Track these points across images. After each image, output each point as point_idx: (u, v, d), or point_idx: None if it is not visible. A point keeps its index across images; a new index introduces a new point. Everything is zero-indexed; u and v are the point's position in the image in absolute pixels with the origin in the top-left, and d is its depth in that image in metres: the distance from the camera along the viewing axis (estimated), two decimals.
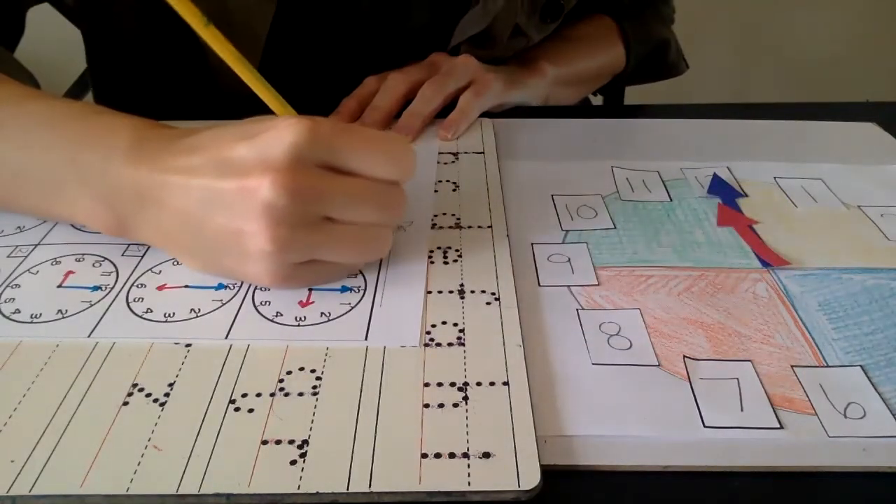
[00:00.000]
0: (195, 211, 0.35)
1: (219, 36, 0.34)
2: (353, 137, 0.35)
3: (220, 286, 0.39)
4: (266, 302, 0.38)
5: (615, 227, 0.46)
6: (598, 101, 0.81)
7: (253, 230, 0.34)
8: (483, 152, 0.54)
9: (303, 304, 0.38)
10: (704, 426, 0.32)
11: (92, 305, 0.38)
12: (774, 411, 0.32)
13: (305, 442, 0.30)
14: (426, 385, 0.33)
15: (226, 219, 0.34)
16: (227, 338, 0.35)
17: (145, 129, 0.37)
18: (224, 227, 0.34)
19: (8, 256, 0.41)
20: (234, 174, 0.33)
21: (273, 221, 0.33)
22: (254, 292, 0.38)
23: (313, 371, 0.34)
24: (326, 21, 0.61)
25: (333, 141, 0.34)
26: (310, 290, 0.39)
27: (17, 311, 0.37)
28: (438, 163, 0.52)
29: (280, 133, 0.33)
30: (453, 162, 0.52)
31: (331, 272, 0.39)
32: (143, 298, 0.38)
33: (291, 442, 0.30)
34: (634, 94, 0.81)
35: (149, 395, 0.32)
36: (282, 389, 0.33)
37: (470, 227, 0.45)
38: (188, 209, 0.35)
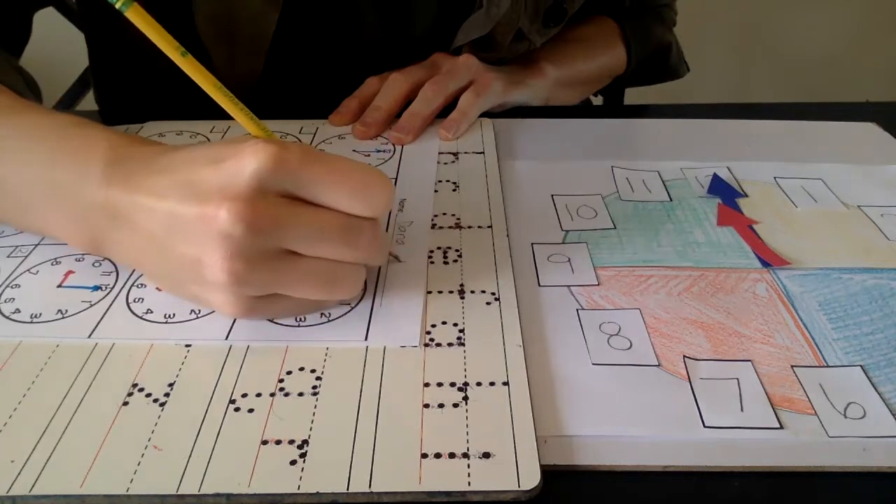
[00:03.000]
0: (160, 235, 0.34)
1: (196, 64, 0.34)
2: (322, 167, 0.33)
3: None
4: None
5: (615, 227, 0.46)
6: (598, 101, 0.81)
7: (210, 261, 0.32)
8: (483, 152, 0.54)
9: None
10: (704, 426, 0.32)
11: (92, 305, 0.38)
12: (774, 411, 0.33)
13: (305, 442, 0.30)
14: (426, 385, 0.33)
15: (186, 246, 0.33)
16: (227, 338, 0.35)
17: (122, 147, 0.36)
18: (185, 254, 0.33)
19: (8, 256, 0.41)
20: (196, 200, 0.32)
21: (229, 253, 0.32)
22: None
23: (313, 371, 0.34)
24: (330, 27, 0.61)
25: (300, 170, 0.32)
26: None
27: (17, 311, 0.37)
28: (438, 163, 0.52)
29: (244, 160, 0.32)
30: (453, 162, 0.52)
31: (298, 307, 0.36)
32: (143, 299, 0.38)
33: (291, 442, 0.30)
34: (634, 95, 0.81)
35: (149, 395, 0.32)
36: (282, 389, 0.33)
37: (470, 227, 0.45)
38: (155, 233, 0.34)
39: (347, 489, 0.28)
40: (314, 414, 0.32)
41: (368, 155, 0.53)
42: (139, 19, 0.33)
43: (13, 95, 0.42)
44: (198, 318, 0.37)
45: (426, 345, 0.35)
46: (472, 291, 0.39)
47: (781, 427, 0.32)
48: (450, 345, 0.35)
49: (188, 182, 0.33)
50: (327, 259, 0.34)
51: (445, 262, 0.41)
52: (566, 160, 0.53)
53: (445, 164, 0.52)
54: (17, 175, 0.37)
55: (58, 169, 0.36)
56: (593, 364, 0.35)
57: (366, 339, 0.36)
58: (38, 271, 0.40)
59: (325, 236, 0.33)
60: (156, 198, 0.33)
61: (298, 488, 0.28)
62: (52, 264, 0.41)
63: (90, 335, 0.36)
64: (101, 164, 0.35)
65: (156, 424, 0.31)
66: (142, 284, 0.39)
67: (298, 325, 0.36)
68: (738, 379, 0.34)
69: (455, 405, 0.32)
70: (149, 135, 0.55)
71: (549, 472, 0.29)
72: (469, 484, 0.28)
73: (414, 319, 0.37)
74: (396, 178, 0.50)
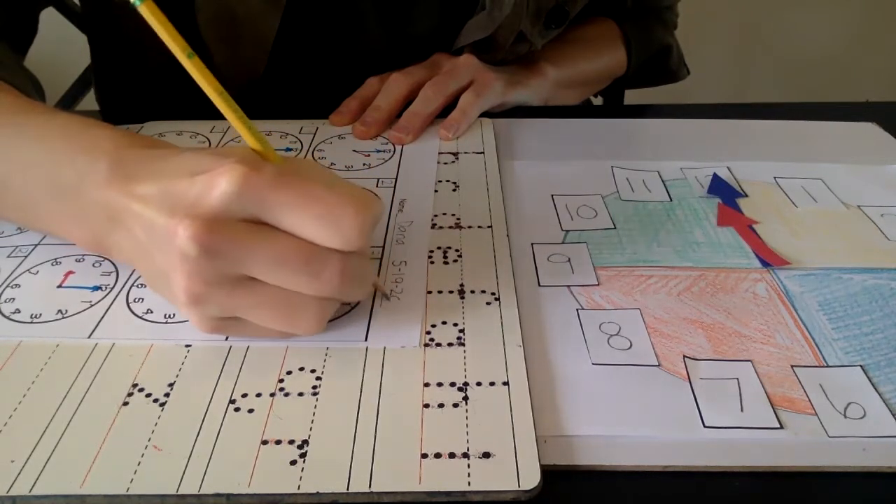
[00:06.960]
0: (144, 242, 0.33)
1: (201, 67, 0.33)
2: (292, 193, 0.31)
3: None
4: None
5: (615, 227, 0.46)
6: (598, 101, 0.81)
7: (173, 277, 0.32)
8: (483, 152, 0.54)
9: None
10: (704, 426, 0.32)
11: (92, 305, 0.38)
12: (774, 411, 0.33)
13: (305, 442, 0.30)
14: (426, 385, 0.33)
15: (159, 256, 0.33)
16: (227, 339, 0.35)
17: (126, 148, 0.36)
18: (159, 264, 0.33)
19: (8, 256, 0.41)
20: (168, 212, 0.32)
21: (187, 273, 0.31)
22: None
23: (313, 371, 0.34)
24: (331, 28, 0.61)
25: (268, 194, 0.31)
26: None
27: (17, 311, 0.37)
28: (438, 163, 0.52)
29: (215, 179, 0.31)
30: (453, 162, 0.52)
31: (264, 332, 0.35)
32: (143, 299, 0.38)
33: (291, 442, 0.30)
34: (634, 95, 0.81)
35: (149, 395, 0.33)
36: (282, 389, 0.33)
37: (470, 227, 0.45)
38: (140, 239, 0.34)
39: (347, 489, 0.28)
40: (314, 414, 0.32)
41: (368, 155, 0.53)
42: (151, 16, 0.32)
43: (19, 95, 0.42)
44: None
45: (426, 345, 0.35)
46: (472, 291, 0.39)
47: (781, 427, 0.32)
48: (450, 345, 0.35)
49: (167, 192, 0.32)
50: (287, 289, 0.33)
51: (445, 262, 0.41)
52: (566, 160, 0.53)
53: (445, 164, 0.52)
54: (22, 174, 0.37)
55: (62, 168, 0.36)
56: (593, 364, 0.35)
57: (366, 339, 0.36)
58: (38, 271, 0.40)
59: (283, 265, 0.32)
60: (142, 204, 0.33)
61: (298, 488, 0.28)
62: (52, 264, 0.41)
63: (90, 335, 0.36)
64: (104, 165, 0.35)
65: (156, 424, 0.31)
66: (142, 284, 0.39)
67: None
68: (738, 379, 0.34)
69: (455, 405, 0.32)
70: (148, 135, 0.55)
71: (549, 472, 0.29)
72: (469, 484, 0.28)
73: (414, 319, 0.37)
74: (396, 179, 0.50)
